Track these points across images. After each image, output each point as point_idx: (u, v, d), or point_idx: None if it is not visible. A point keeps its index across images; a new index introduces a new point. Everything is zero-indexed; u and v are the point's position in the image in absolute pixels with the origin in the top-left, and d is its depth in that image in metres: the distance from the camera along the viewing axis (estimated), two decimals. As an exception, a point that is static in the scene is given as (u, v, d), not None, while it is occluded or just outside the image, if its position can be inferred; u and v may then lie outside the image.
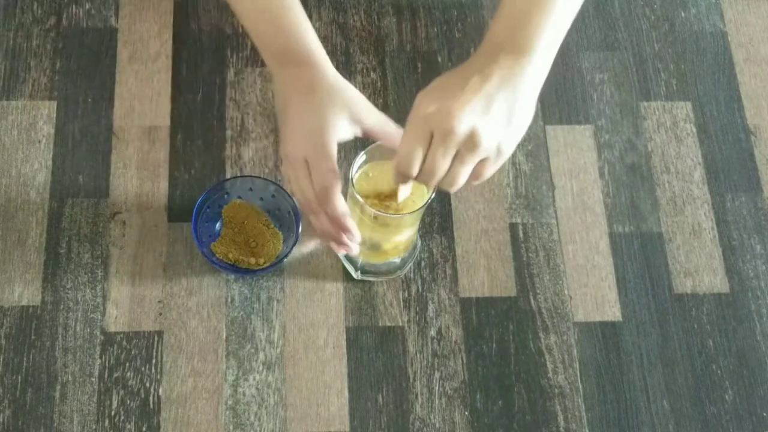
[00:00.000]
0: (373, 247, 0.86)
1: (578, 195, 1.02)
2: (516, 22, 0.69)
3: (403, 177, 0.69)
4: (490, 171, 0.69)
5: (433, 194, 0.77)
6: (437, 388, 0.92)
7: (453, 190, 0.69)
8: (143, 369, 0.91)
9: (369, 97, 1.03)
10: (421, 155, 0.67)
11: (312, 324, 0.94)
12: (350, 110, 0.78)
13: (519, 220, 1.00)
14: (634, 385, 0.94)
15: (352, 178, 0.77)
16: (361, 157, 0.78)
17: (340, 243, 0.79)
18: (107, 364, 0.91)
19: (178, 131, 1.01)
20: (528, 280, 0.97)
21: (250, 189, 0.95)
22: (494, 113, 0.66)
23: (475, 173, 0.69)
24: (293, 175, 0.78)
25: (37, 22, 1.05)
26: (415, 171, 0.67)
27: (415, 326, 0.95)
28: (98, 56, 1.04)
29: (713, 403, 0.94)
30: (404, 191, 0.77)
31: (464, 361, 0.94)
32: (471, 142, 0.65)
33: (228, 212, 0.95)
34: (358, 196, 0.77)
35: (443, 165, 0.67)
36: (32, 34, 1.05)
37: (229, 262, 0.93)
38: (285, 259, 0.93)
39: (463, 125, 0.65)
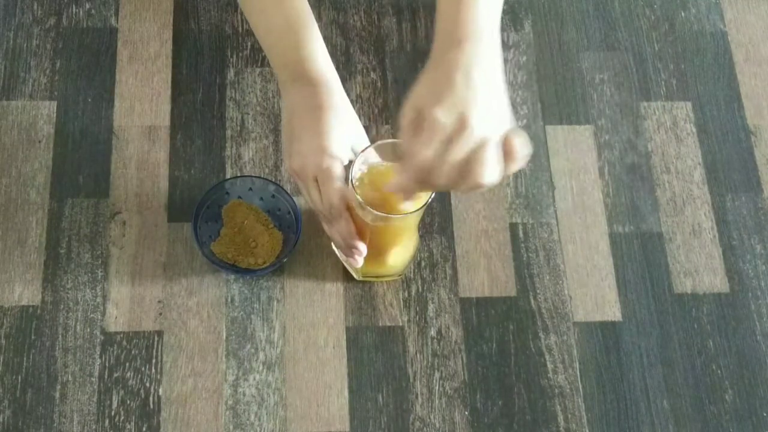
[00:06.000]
0: (375, 253, 0.86)
1: (578, 195, 1.02)
2: (456, 16, 0.71)
3: (419, 186, 0.70)
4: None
5: (433, 194, 0.77)
6: (437, 388, 0.93)
7: (487, 182, 0.68)
8: (143, 369, 0.91)
9: (369, 97, 1.04)
10: (435, 158, 0.67)
11: (312, 324, 0.94)
12: (349, 137, 0.82)
13: (519, 220, 1.00)
14: (634, 385, 0.94)
15: (352, 180, 0.77)
16: (360, 158, 0.78)
17: (348, 255, 0.84)
18: (107, 364, 0.91)
19: (178, 131, 1.01)
20: (528, 280, 0.97)
21: (250, 189, 0.95)
22: (488, 102, 0.68)
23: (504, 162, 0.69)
24: (304, 190, 0.82)
25: (37, 22, 1.05)
26: (432, 170, 0.68)
27: (415, 326, 0.95)
28: (98, 56, 1.04)
29: (713, 403, 0.94)
30: (408, 205, 0.78)
31: (464, 361, 0.94)
32: (479, 136, 0.67)
33: (228, 212, 0.95)
34: (359, 197, 0.77)
35: (458, 159, 0.67)
36: (32, 34, 1.05)
37: (229, 262, 0.93)
38: (285, 259, 0.93)
39: (476, 124, 0.67)
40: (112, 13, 1.07)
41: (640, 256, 0.99)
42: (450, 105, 0.67)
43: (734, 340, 0.97)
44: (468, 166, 0.67)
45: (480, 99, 0.68)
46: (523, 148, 0.69)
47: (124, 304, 0.93)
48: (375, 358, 0.93)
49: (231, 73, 1.04)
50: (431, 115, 0.67)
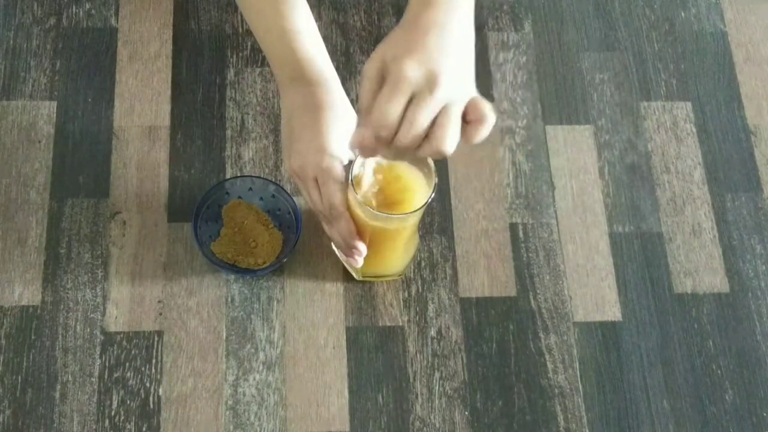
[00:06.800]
0: (375, 253, 0.86)
1: (578, 195, 1.02)
2: None
3: (375, 142, 0.66)
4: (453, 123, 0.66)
5: (434, 194, 0.77)
6: (437, 388, 0.93)
7: (449, 149, 0.66)
8: (143, 369, 0.91)
9: (369, 97, 1.04)
10: (399, 114, 0.64)
11: (312, 324, 0.94)
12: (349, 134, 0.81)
13: (519, 220, 1.00)
14: (634, 385, 0.94)
15: (351, 180, 0.77)
16: (360, 158, 0.78)
17: (348, 255, 0.84)
18: (107, 364, 0.91)
19: (178, 131, 1.01)
20: (528, 280, 0.97)
21: (250, 189, 0.95)
22: (459, 64, 0.66)
23: (467, 135, 0.67)
24: (304, 190, 0.82)
25: (37, 22, 1.05)
26: (394, 127, 0.65)
27: (415, 326, 0.95)
28: (98, 56, 1.04)
29: (713, 403, 0.94)
30: (368, 174, 0.78)
31: (464, 361, 0.94)
32: (450, 93, 0.65)
33: (228, 212, 0.95)
34: (358, 197, 0.77)
35: (426, 121, 0.64)
36: (32, 34, 1.05)
37: (229, 262, 0.93)
38: (285, 259, 0.93)
39: (445, 84, 0.64)
40: (112, 13, 1.07)
41: (640, 256, 0.99)
42: (421, 60, 0.64)
43: (734, 340, 0.97)
44: (431, 129, 0.64)
45: (452, 59, 0.65)
46: (491, 114, 0.66)
47: (124, 304, 0.93)
48: (375, 358, 0.93)
49: (231, 73, 1.04)
50: (399, 67, 0.64)
